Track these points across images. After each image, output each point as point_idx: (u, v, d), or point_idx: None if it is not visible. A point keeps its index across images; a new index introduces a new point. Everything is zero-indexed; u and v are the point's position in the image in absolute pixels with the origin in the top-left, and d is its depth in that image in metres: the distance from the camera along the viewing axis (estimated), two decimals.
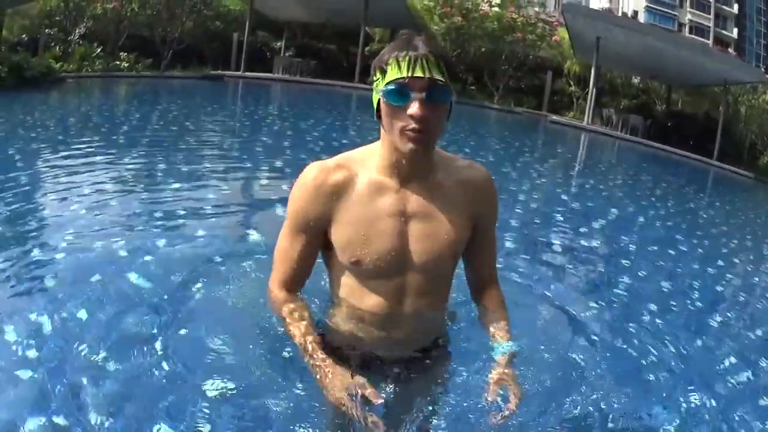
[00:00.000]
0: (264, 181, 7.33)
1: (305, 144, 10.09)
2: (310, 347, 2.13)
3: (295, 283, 2.33)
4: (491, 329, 2.33)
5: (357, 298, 2.31)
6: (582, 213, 8.38)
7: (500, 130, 19.85)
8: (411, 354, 2.41)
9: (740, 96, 30.38)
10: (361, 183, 2.23)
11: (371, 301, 2.29)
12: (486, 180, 2.36)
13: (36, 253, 4.07)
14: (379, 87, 2.11)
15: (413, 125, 2.05)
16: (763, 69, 72.18)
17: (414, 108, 2.03)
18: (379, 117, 2.16)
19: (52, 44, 24.93)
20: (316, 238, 2.27)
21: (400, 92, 2.05)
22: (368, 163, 2.26)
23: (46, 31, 25.36)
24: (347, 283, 2.32)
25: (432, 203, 2.25)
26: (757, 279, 7.09)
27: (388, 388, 2.36)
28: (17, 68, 17.04)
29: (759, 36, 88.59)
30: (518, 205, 7.90)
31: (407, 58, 2.05)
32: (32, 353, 2.86)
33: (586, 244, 6.39)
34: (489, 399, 2.06)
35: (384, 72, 2.10)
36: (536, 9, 33.36)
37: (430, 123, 2.07)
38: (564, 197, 9.52)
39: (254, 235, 4.72)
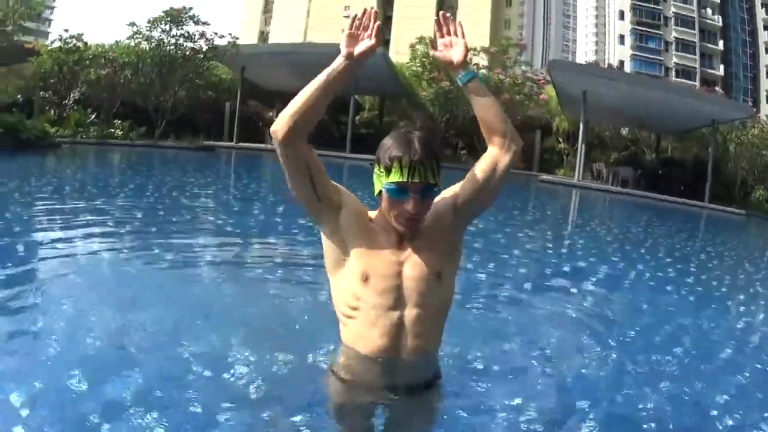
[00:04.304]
0: (256, 255, 7.39)
1: (296, 216, 10.19)
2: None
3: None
4: None
5: (363, 340, 2.79)
6: (572, 273, 8.39)
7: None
8: (410, 384, 2.86)
9: (728, 134, 30.56)
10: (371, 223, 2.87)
11: (375, 342, 2.77)
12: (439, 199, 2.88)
13: (33, 320, 4.12)
14: (382, 180, 2.72)
15: (408, 216, 2.71)
16: (750, 102, 72.95)
17: (410, 205, 2.68)
18: (379, 195, 2.77)
19: (47, 107, 25.17)
20: (329, 193, 2.85)
21: (400, 191, 2.69)
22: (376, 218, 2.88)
23: (41, 93, 25.57)
24: (352, 325, 2.82)
25: (420, 242, 2.82)
26: (751, 318, 7.11)
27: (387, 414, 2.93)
28: (13, 130, 17.19)
29: (745, 69, 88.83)
30: (509, 270, 7.89)
31: (408, 165, 2.65)
32: (29, 420, 2.89)
33: (578, 305, 6.40)
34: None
35: (388, 170, 2.69)
36: (523, 68, 33.68)
37: (422, 213, 2.74)
38: (554, 259, 9.53)
39: (248, 307, 4.79)
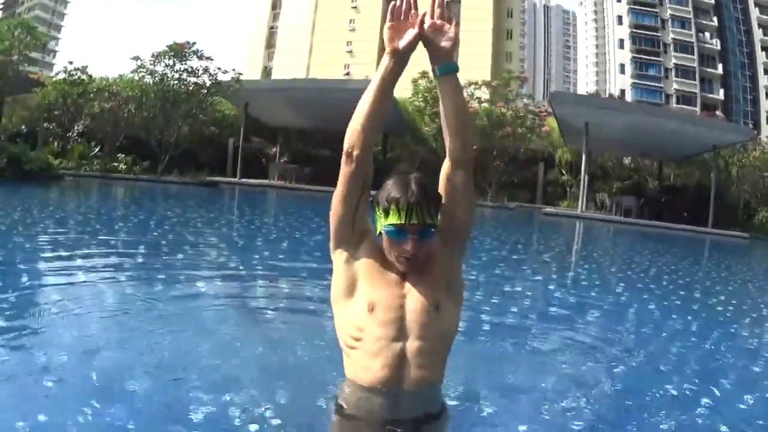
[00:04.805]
0: (260, 290, 7.39)
1: (300, 253, 10.23)
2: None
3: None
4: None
5: (365, 371, 2.80)
6: (577, 303, 8.37)
7: (494, 228, 19.84)
8: (414, 417, 2.85)
9: (730, 158, 30.75)
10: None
11: (377, 373, 2.77)
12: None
13: (34, 349, 4.12)
14: (382, 222, 2.80)
15: (407, 255, 2.77)
16: (751, 125, 73.16)
17: (409, 246, 2.75)
18: (380, 236, 2.85)
19: (51, 139, 25.36)
20: (360, 216, 2.90)
21: (399, 233, 2.76)
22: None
23: (45, 125, 25.78)
24: (355, 355, 2.85)
25: (420, 275, 2.85)
26: (756, 342, 7.06)
27: None
28: (17, 160, 17.34)
29: (745, 92, 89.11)
30: (514, 303, 7.85)
31: (406, 207, 2.72)
32: None
33: (583, 335, 6.38)
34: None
35: (387, 212, 2.77)
36: (525, 101, 33.76)
37: (421, 253, 2.79)
38: (559, 290, 9.50)
39: (251, 341, 4.78)
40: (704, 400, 4.44)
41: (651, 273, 12.68)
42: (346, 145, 2.78)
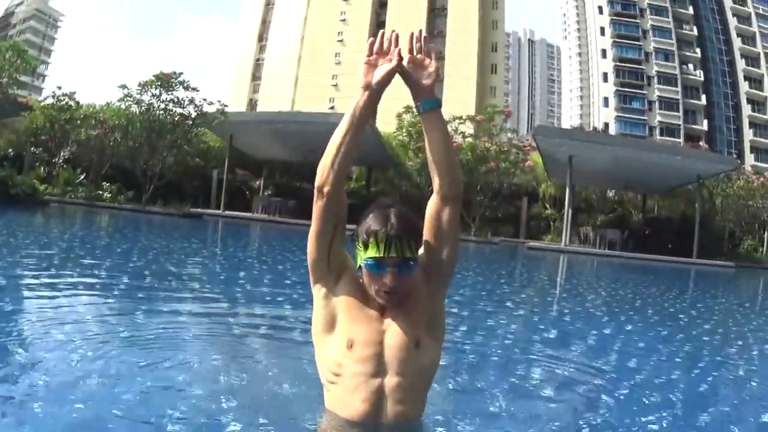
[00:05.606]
0: (243, 325, 7.33)
1: (282, 286, 10.20)
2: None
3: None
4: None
5: (344, 406, 2.80)
6: (561, 337, 8.34)
7: (478, 263, 19.86)
8: None
9: (715, 188, 31.06)
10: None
11: (356, 407, 2.76)
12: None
13: (14, 380, 4.03)
14: (361, 255, 2.79)
15: (387, 289, 2.75)
16: (735, 154, 73.82)
17: (388, 279, 2.74)
18: (360, 269, 2.83)
19: (37, 164, 25.34)
20: (336, 249, 2.92)
21: (378, 266, 2.75)
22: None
23: (32, 149, 25.76)
24: (334, 390, 2.84)
25: (401, 310, 2.83)
26: (741, 372, 7.04)
27: None
28: (3, 183, 17.38)
29: (728, 122, 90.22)
30: (497, 338, 7.83)
31: (384, 240, 2.72)
32: None
33: (567, 368, 6.37)
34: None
35: (366, 245, 2.77)
36: (509, 135, 34.00)
37: (401, 287, 2.77)
38: (542, 324, 9.47)
39: (233, 372, 4.74)
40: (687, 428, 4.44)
41: (636, 305, 12.70)
42: (317, 182, 2.83)
